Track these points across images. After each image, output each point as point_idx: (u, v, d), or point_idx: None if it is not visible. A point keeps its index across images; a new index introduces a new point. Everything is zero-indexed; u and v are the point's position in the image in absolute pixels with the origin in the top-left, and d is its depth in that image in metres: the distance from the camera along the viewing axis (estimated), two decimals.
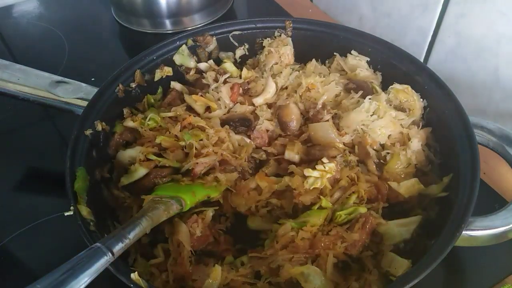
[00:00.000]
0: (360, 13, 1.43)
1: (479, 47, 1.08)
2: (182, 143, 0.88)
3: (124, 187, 0.88)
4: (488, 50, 1.06)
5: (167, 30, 1.50)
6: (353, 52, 1.07)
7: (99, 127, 0.90)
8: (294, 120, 0.97)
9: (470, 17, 1.06)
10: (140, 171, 0.86)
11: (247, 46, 1.16)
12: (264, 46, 1.13)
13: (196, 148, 0.88)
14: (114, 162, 0.92)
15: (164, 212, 0.76)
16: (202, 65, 1.12)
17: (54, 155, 1.10)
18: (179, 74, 1.10)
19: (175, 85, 1.07)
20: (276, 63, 1.10)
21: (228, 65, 1.10)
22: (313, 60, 1.12)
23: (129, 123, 0.93)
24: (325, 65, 1.12)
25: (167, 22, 1.49)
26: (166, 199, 0.78)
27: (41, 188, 1.06)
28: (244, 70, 1.08)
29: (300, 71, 1.08)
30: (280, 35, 1.13)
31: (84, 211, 0.75)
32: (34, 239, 0.94)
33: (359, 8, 1.42)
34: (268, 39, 1.14)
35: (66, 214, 0.73)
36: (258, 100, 1.02)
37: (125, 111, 0.98)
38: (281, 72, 1.07)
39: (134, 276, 0.66)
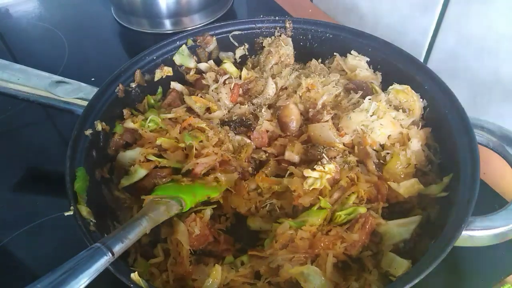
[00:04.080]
0: (360, 13, 1.43)
1: (479, 47, 1.08)
2: (182, 145, 0.88)
3: (125, 188, 0.88)
4: (488, 50, 1.06)
5: (167, 30, 1.50)
6: (353, 52, 1.07)
7: (99, 127, 0.90)
8: (294, 120, 0.97)
9: (470, 17, 1.06)
10: (140, 172, 0.86)
11: (247, 46, 1.16)
12: (264, 46, 1.13)
13: (196, 149, 0.88)
14: (115, 163, 0.92)
15: (164, 212, 0.76)
16: (202, 65, 1.12)
17: (54, 155, 1.10)
18: (179, 74, 1.10)
19: (175, 85, 1.07)
20: (276, 63, 1.10)
21: (228, 66, 1.10)
22: (313, 60, 1.12)
23: (129, 124, 0.93)
24: (325, 65, 1.12)
25: (167, 22, 1.49)
26: (166, 199, 0.78)
27: (41, 188, 1.06)
28: (244, 71, 1.08)
29: (300, 71, 1.08)
30: (280, 35, 1.13)
31: (84, 211, 0.75)
32: (34, 239, 0.94)
33: (359, 8, 1.42)
34: (268, 39, 1.14)
35: (66, 214, 0.73)
36: (258, 101, 1.02)
37: (125, 112, 0.98)
38: (281, 72, 1.07)
39: (134, 276, 0.66)
